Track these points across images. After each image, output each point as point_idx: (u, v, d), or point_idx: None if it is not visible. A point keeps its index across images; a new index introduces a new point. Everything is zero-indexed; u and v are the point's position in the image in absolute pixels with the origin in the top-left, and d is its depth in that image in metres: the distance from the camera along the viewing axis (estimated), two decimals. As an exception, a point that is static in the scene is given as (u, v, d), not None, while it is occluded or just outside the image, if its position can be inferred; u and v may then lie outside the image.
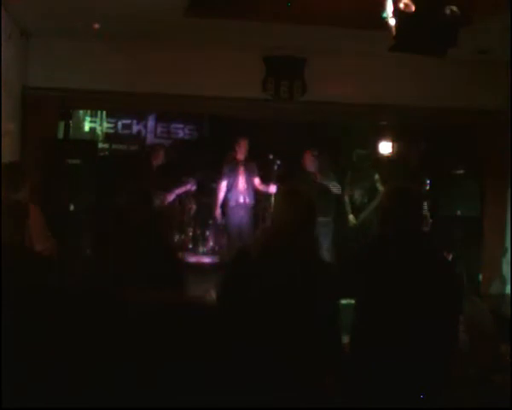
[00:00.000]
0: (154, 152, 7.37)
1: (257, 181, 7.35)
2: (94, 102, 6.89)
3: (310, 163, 7.20)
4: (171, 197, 7.44)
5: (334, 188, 7.17)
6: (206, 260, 8.42)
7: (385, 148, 8.74)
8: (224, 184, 7.29)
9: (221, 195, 7.34)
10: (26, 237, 3.60)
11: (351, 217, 7.32)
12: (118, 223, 3.26)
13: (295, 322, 2.43)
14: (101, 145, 9.49)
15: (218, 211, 7.47)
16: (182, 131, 10.45)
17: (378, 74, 6.68)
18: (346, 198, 7.39)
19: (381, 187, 7.06)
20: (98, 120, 10.00)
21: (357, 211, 7.30)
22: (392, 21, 3.73)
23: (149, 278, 2.70)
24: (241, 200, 7.20)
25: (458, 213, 7.39)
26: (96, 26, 5.82)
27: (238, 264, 2.62)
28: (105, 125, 10.06)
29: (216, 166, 7.81)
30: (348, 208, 7.37)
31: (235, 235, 7.22)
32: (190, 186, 7.79)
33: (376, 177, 7.21)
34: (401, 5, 3.65)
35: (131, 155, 9.86)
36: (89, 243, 6.20)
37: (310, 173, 7.17)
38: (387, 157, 8.62)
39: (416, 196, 2.86)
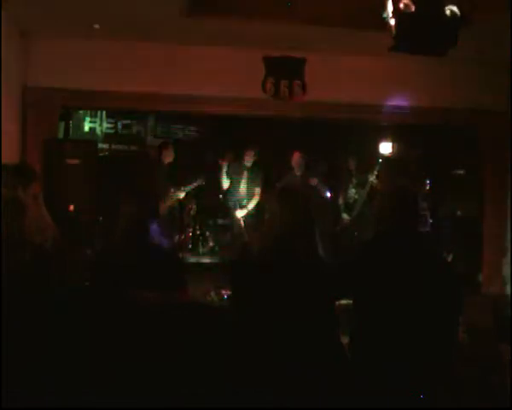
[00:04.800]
0: (165, 149, 7.12)
1: (257, 190, 7.19)
2: (94, 102, 6.88)
3: (297, 164, 7.13)
4: (182, 195, 7.35)
5: (321, 191, 7.04)
6: (206, 260, 8.43)
7: (385, 148, 8.73)
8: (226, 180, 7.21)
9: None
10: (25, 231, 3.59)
11: (344, 215, 7.31)
12: (123, 224, 3.24)
13: (295, 322, 2.43)
14: (101, 145, 9.50)
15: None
16: (181, 132, 10.46)
17: (378, 74, 6.69)
18: (341, 199, 7.38)
19: (374, 181, 7.04)
20: (98, 120, 10.01)
21: (350, 209, 7.29)
22: (392, 21, 3.73)
23: (151, 279, 2.70)
24: (240, 202, 7.14)
25: (458, 213, 7.40)
26: (96, 26, 5.84)
27: (240, 264, 2.63)
28: (105, 125, 10.07)
29: (215, 166, 7.80)
30: (342, 207, 7.35)
31: (235, 236, 7.19)
32: (200, 183, 7.70)
33: (373, 176, 7.16)
34: (401, 5, 3.65)
35: (139, 154, 9.86)
36: (89, 243, 6.20)
37: (296, 174, 7.11)
38: (387, 158, 8.62)
39: (414, 196, 2.85)
